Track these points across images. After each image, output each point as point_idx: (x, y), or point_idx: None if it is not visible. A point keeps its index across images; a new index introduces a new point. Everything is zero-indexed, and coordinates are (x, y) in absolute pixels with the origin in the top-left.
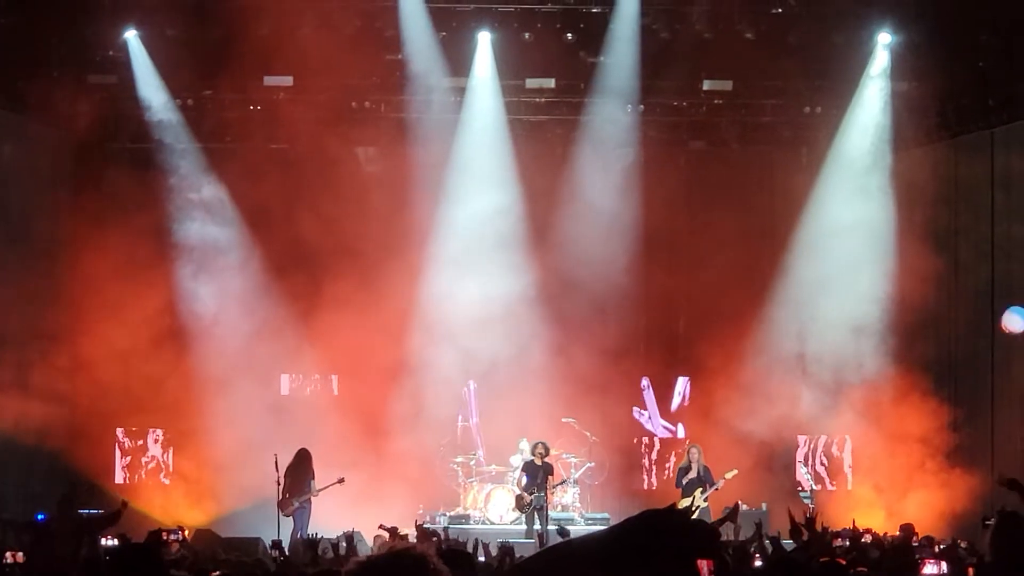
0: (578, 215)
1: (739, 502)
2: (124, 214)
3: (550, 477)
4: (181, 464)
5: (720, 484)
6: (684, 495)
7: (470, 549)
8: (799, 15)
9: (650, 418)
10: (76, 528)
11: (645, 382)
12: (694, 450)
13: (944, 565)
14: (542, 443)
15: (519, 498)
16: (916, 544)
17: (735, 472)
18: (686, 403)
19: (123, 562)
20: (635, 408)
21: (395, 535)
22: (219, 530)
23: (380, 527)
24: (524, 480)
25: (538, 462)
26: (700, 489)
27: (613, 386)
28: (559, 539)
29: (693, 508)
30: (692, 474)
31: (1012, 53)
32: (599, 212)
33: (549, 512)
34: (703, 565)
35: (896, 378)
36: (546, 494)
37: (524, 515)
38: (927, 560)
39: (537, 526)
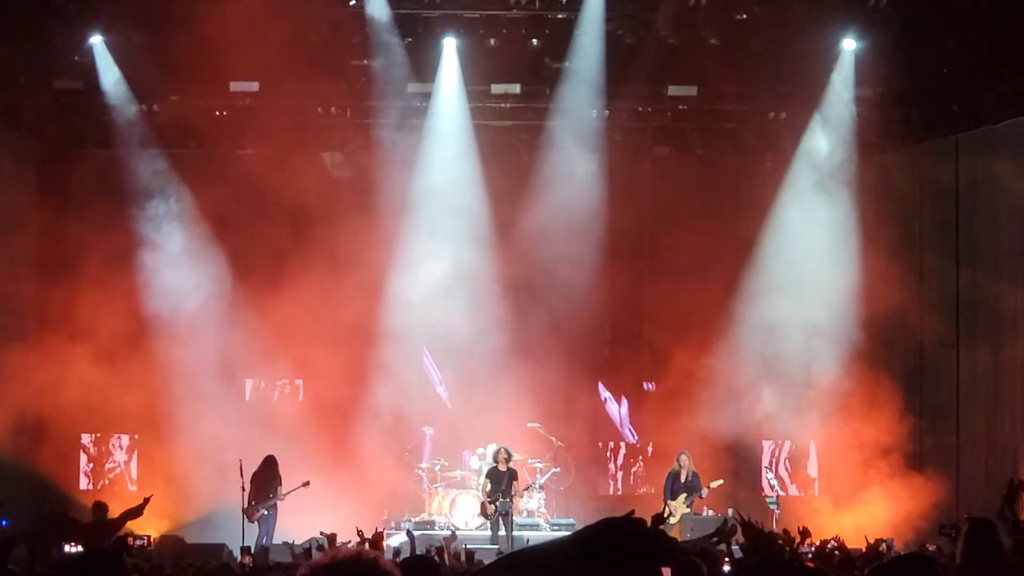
0: (543, 219)
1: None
2: (90, 219)
3: (515, 483)
4: (147, 470)
5: (704, 492)
6: (672, 500)
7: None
8: (764, 21)
9: (620, 423)
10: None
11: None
12: (683, 457)
13: None
14: (504, 448)
15: (484, 505)
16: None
17: (720, 482)
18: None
19: (86, 569)
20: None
21: (332, 543)
22: (185, 536)
23: (284, 543)
24: (489, 487)
25: (502, 468)
26: (685, 495)
27: (578, 390)
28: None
29: (666, 515)
30: (682, 479)
31: (975, 60)
32: (564, 216)
33: (514, 518)
34: (663, 572)
35: (862, 384)
36: (511, 500)
37: (490, 522)
38: None
39: (502, 532)
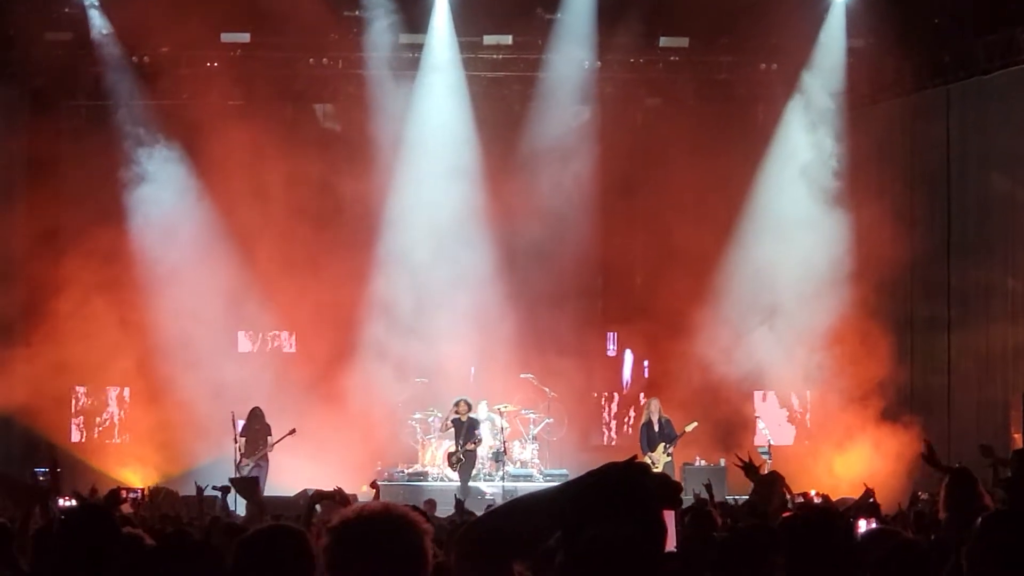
0: (535, 170)
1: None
2: (80, 171)
3: (476, 432)
4: (139, 422)
5: (681, 435)
6: (650, 450)
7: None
8: None
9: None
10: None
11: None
12: (653, 404)
13: (873, 522)
14: (464, 399)
15: (450, 455)
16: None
17: (695, 424)
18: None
19: (76, 524)
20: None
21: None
22: (177, 489)
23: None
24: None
25: (462, 419)
26: (663, 444)
27: (571, 340)
28: (475, 497)
29: (654, 463)
30: (656, 428)
31: (966, 10)
32: (556, 168)
33: (475, 467)
34: (667, 516)
35: (854, 332)
36: (467, 448)
37: (457, 471)
38: (864, 518)
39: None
